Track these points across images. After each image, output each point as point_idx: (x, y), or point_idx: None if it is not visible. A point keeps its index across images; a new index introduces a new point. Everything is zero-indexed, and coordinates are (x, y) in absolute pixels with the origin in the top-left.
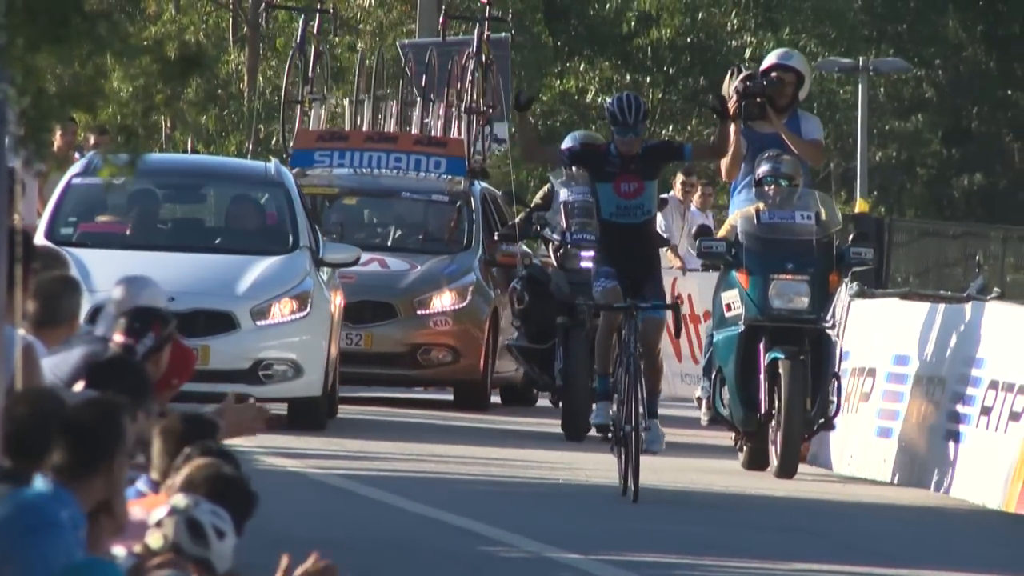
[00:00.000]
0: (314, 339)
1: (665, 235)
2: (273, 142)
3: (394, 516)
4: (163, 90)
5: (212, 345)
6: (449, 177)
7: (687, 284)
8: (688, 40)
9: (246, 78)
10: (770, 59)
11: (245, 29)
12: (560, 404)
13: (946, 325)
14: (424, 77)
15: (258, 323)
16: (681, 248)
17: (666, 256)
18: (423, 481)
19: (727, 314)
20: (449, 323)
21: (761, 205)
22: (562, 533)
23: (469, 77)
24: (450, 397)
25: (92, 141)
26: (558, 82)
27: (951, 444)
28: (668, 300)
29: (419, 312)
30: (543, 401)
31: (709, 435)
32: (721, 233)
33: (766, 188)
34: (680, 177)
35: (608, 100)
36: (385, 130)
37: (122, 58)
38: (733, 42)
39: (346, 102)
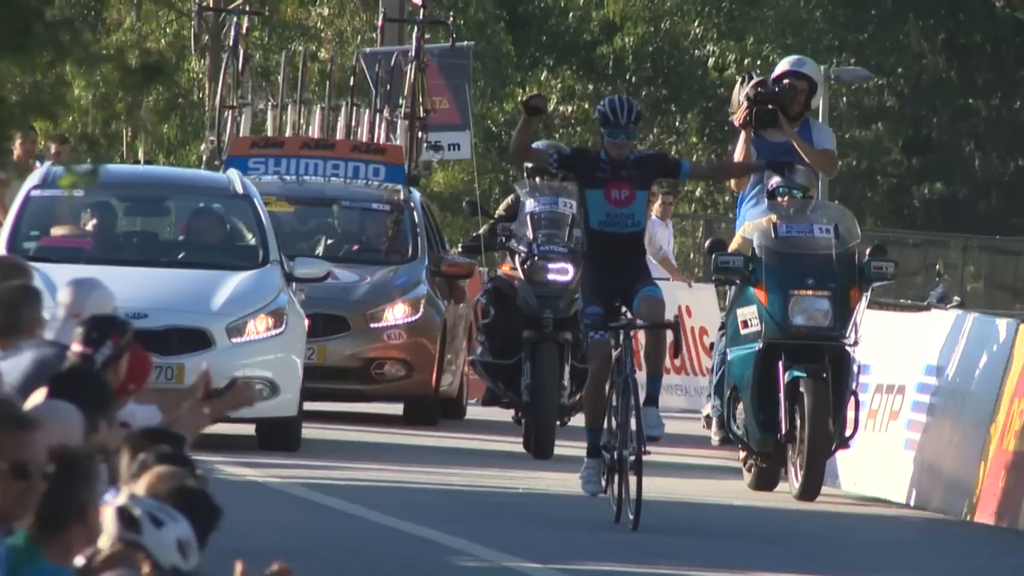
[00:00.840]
0: (289, 357)
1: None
2: (202, 148)
3: (353, 525)
4: (124, 99)
5: (187, 363)
6: (387, 185)
7: None
8: (651, 49)
9: (207, 87)
10: (782, 66)
11: (206, 38)
12: (523, 421)
13: (906, 334)
14: (375, 86)
15: (233, 340)
16: None
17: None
18: (382, 491)
19: (743, 331)
20: (403, 336)
21: (775, 217)
22: (521, 543)
23: (409, 82)
24: (398, 411)
25: (53, 150)
26: (520, 92)
27: (911, 453)
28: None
29: (372, 325)
30: (473, 413)
31: (676, 450)
32: (733, 246)
33: (779, 199)
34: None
35: (600, 103)
36: (312, 135)
37: (83, 66)
38: (696, 51)
39: (270, 107)
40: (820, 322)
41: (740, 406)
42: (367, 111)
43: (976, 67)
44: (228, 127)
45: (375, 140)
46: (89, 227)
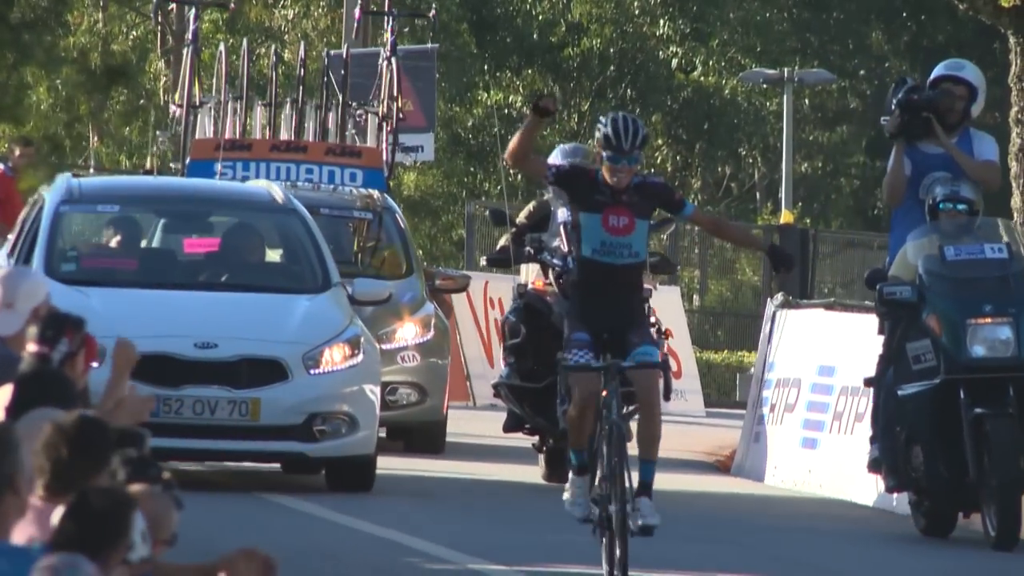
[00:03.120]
0: (367, 389)
1: None
2: (153, 149)
3: (320, 527)
4: (87, 101)
5: (262, 397)
6: (366, 191)
7: None
8: (616, 50)
9: (171, 89)
10: (939, 70)
11: (171, 41)
12: (545, 449)
13: (871, 335)
14: (340, 87)
15: (311, 372)
16: None
17: None
18: (347, 495)
19: (915, 367)
20: (416, 358)
21: (937, 238)
22: (487, 545)
23: (387, 81)
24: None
25: (17, 152)
26: (485, 94)
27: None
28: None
29: (384, 347)
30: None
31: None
32: (893, 272)
33: (942, 215)
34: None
35: (601, 119)
36: (280, 137)
37: (45, 69)
38: (661, 53)
39: (230, 106)
40: (1002, 352)
41: (916, 448)
42: (332, 112)
43: None
44: (187, 127)
45: (339, 141)
46: (113, 244)
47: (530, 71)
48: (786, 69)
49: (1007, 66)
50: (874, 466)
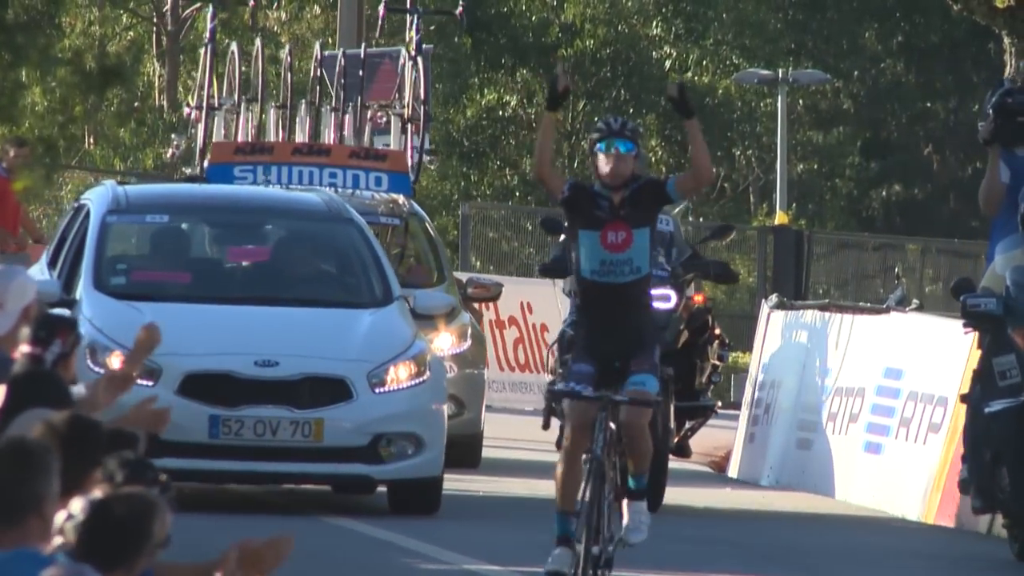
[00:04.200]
0: (434, 408)
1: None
2: (170, 155)
3: (310, 527)
4: (82, 102)
5: (326, 418)
6: (392, 196)
7: None
8: (609, 51)
9: (166, 91)
10: None
11: (165, 42)
12: None
13: (865, 336)
14: (343, 85)
15: (376, 391)
16: None
17: None
18: (340, 496)
19: (1001, 383)
20: (453, 370)
21: None
22: (481, 545)
23: (407, 81)
24: None
25: (12, 153)
26: (479, 95)
27: (871, 456)
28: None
29: None
30: None
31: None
32: (984, 284)
33: None
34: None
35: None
36: (300, 140)
37: (40, 70)
38: (655, 53)
39: (244, 109)
40: None
41: (1003, 469)
42: (348, 114)
43: (933, 70)
44: (200, 130)
45: (357, 144)
46: (163, 256)
47: (524, 72)
48: (780, 69)
49: (1002, 67)
50: (963, 487)
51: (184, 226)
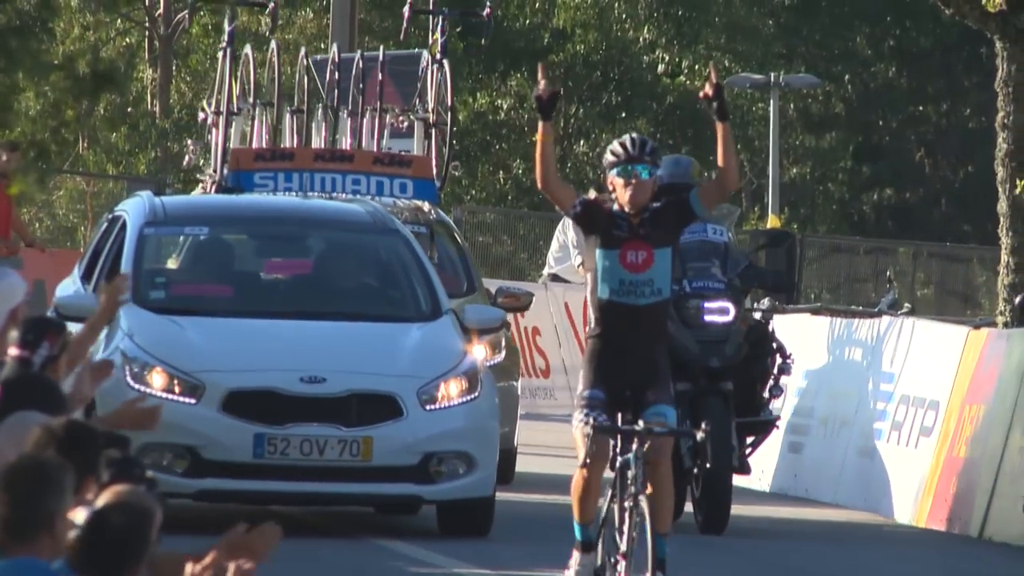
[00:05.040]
0: (486, 426)
1: (576, 250)
2: (185, 162)
3: (300, 532)
4: (74, 106)
5: (375, 436)
6: (416, 203)
7: None
8: (599, 56)
9: (159, 95)
10: None
11: (159, 46)
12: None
13: (857, 340)
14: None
15: (427, 408)
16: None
17: (578, 271)
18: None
19: None
20: None
21: None
22: (474, 551)
23: (429, 84)
24: None
25: (4, 157)
26: (470, 99)
27: (863, 459)
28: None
29: None
30: None
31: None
32: None
33: None
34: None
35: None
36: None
37: (33, 75)
38: (646, 57)
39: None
40: None
41: None
42: (364, 118)
43: (925, 73)
44: (217, 136)
45: (376, 149)
46: (203, 268)
47: (517, 76)
48: (772, 74)
49: (994, 71)
50: None
51: (225, 238)
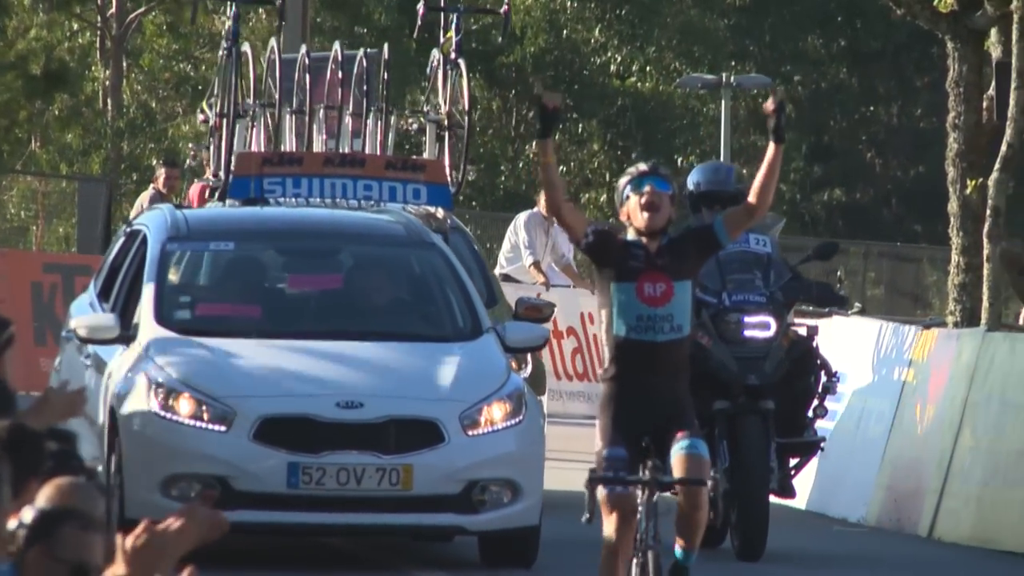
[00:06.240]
0: (532, 451)
1: (528, 250)
2: (187, 163)
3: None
4: (27, 106)
5: (415, 464)
6: (429, 210)
7: (550, 299)
8: (551, 57)
9: (111, 95)
10: None
11: (110, 45)
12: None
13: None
14: (387, 89)
15: (469, 433)
16: (544, 263)
17: (529, 271)
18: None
19: None
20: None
21: None
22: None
23: (440, 84)
24: None
25: None
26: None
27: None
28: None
29: None
30: None
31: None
32: None
33: None
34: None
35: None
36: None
37: None
38: (597, 59)
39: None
40: None
41: None
42: (368, 119)
43: (876, 74)
44: (219, 139)
45: (382, 152)
46: (229, 287)
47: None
48: (723, 74)
49: (944, 71)
50: None
51: (253, 254)
